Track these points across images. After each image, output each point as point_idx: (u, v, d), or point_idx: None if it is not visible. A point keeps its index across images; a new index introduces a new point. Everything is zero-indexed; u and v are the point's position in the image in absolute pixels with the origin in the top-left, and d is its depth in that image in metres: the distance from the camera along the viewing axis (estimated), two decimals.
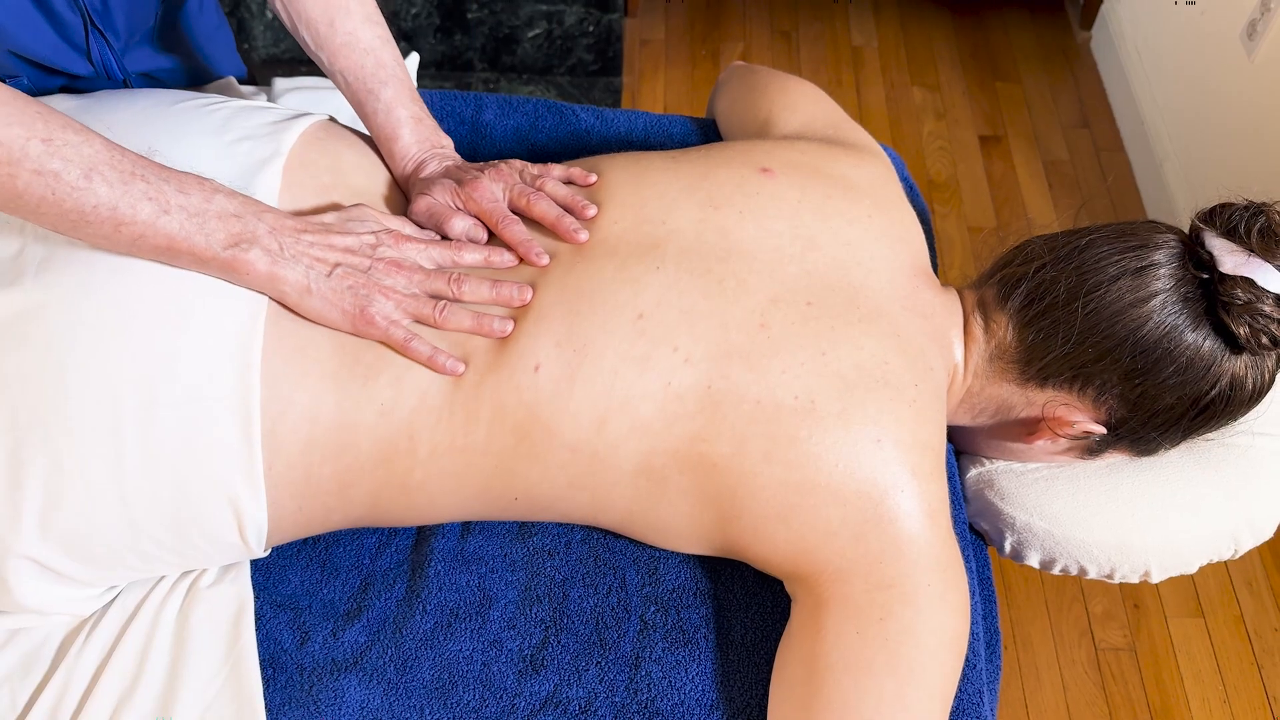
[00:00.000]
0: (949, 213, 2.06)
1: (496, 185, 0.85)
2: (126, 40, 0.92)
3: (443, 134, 0.91)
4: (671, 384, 0.76)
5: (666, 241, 0.81)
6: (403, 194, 0.88)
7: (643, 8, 2.38)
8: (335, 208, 0.81)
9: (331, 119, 0.90)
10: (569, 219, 0.82)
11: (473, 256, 0.80)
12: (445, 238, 0.83)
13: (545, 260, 0.81)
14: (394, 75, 0.89)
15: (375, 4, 0.89)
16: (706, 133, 1.16)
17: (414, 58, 1.20)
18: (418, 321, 0.77)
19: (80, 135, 0.68)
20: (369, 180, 0.86)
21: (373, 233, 0.78)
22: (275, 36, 1.99)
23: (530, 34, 2.01)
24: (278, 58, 2.04)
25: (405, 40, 2.02)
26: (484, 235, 0.83)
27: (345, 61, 0.88)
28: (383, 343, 0.77)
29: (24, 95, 0.68)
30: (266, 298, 0.76)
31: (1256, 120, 1.72)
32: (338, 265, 0.75)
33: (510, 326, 0.78)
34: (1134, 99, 2.13)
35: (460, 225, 0.83)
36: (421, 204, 0.84)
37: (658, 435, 0.76)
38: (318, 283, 0.75)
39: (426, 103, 1.14)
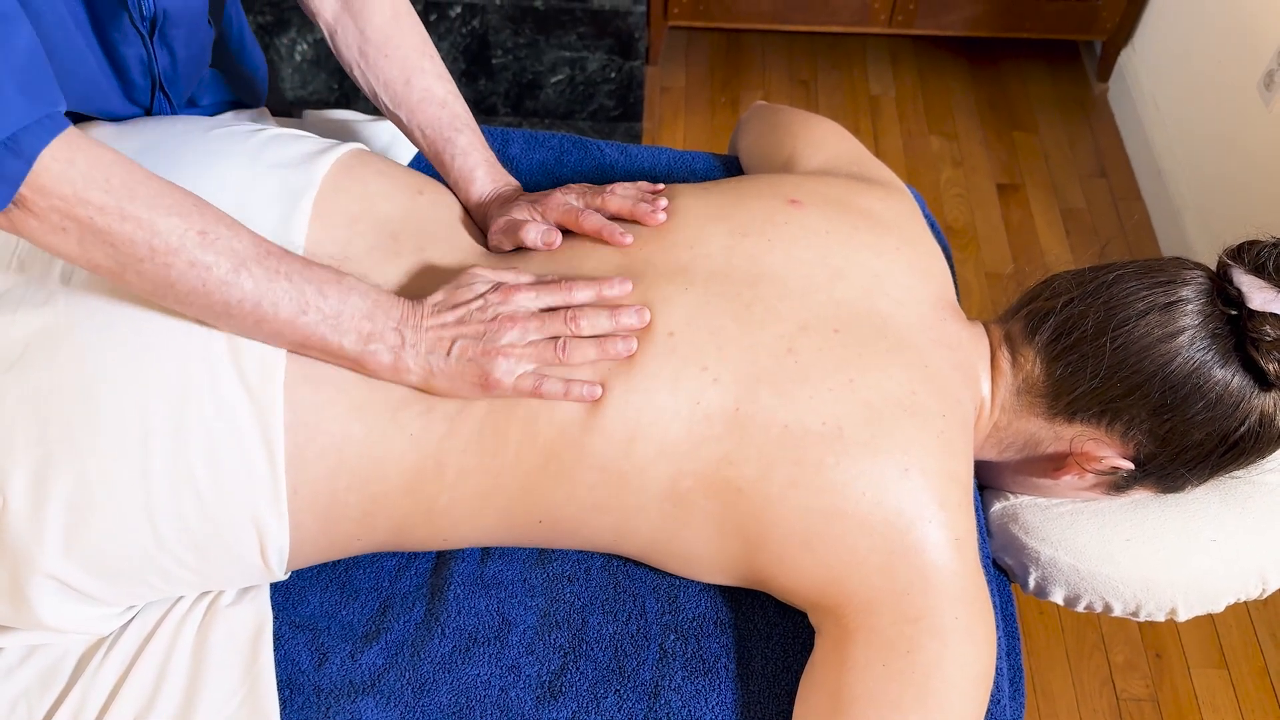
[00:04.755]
0: (966, 259, 2.06)
1: (568, 195, 0.89)
2: (183, 98, 0.97)
3: (510, 175, 0.97)
4: (700, 403, 0.76)
5: (694, 265, 0.82)
6: (432, 222, 0.89)
7: (664, 55, 2.42)
8: (442, 276, 0.81)
9: (363, 148, 0.92)
10: (644, 205, 0.87)
11: (584, 294, 0.79)
12: (522, 248, 0.87)
13: (629, 239, 0.85)
14: (467, 124, 0.95)
15: (442, 62, 0.95)
16: (729, 169, 1.17)
17: None
18: (545, 365, 0.77)
19: (231, 229, 0.71)
20: (395, 208, 0.87)
21: (480, 295, 0.78)
22: (303, 79, 2.03)
23: (553, 80, 2.04)
24: (305, 100, 2.08)
25: None
26: (558, 238, 0.86)
27: (422, 115, 0.94)
28: (520, 396, 0.77)
29: (180, 187, 0.70)
30: None
31: (1275, 169, 1.72)
32: (455, 341, 0.76)
33: (635, 345, 0.77)
34: (1151, 149, 2.15)
35: (534, 233, 0.86)
36: (500, 222, 0.89)
37: (685, 456, 0.76)
38: (439, 364, 0.76)
39: None
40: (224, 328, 0.74)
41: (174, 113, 0.95)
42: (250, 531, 0.75)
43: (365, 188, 0.86)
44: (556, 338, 0.77)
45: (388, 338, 0.75)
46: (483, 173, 0.95)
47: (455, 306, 0.77)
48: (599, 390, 0.76)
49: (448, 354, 0.76)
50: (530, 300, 0.78)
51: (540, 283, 0.80)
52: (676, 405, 0.76)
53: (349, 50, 0.94)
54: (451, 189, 0.95)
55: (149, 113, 0.93)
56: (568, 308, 0.78)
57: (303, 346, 0.74)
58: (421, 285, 0.82)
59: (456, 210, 0.92)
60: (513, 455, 0.77)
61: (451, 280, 0.80)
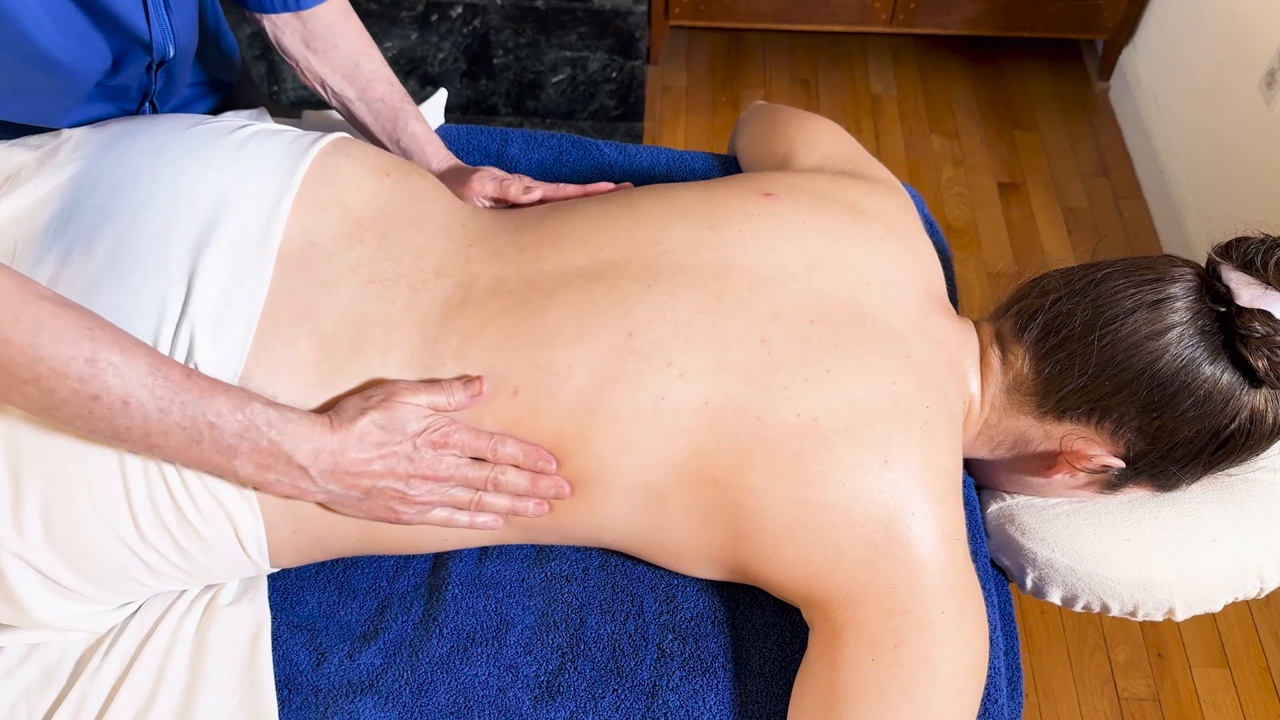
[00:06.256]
0: (967, 258, 2.06)
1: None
2: (167, 101, 0.98)
3: None
4: (666, 399, 0.76)
5: (660, 261, 0.81)
6: (395, 204, 0.87)
7: (665, 55, 2.42)
8: (374, 387, 0.77)
9: (344, 136, 0.91)
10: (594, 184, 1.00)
11: (510, 455, 0.77)
12: (514, 204, 0.97)
13: (573, 190, 0.97)
14: (410, 100, 1.05)
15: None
16: (728, 168, 1.17)
17: (441, 93, 1.23)
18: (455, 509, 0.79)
19: (126, 355, 0.68)
20: (362, 193, 0.85)
21: (411, 438, 0.75)
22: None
23: (554, 79, 2.04)
24: (305, 100, 2.08)
25: (432, 84, 2.06)
26: (539, 192, 0.97)
27: (373, 93, 1.02)
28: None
29: (78, 308, 0.69)
30: (256, 320, 0.76)
31: (1277, 168, 1.72)
32: (372, 488, 0.75)
33: (547, 509, 0.79)
34: (1153, 148, 2.15)
35: (516, 187, 0.97)
36: (478, 176, 0.99)
37: (652, 451, 0.76)
38: (348, 502, 0.76)
39: (453, 136, 1.19)
40: (117, 448, 0.72)
41: (155, 112, 0.96)
42: (224, 521, 0.76)
43: (337, 176, 0.85)
44: (475, 489, 0.78)
45: (291, 473, 0.73)
46: (435, 147, 1.04)
47: (381, 445, 0.74)
48: (500, 523, 0.80)
49: (361, 496, 0.75)
50: (457, 457, 0.77)
51: (472, 431, 0.77)
52: (637, 403, 0.76)
53: (294, 45, 1.00)
54: (399, 153, 1.03)
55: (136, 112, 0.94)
56: (493, 465, 0.78)
57: (199, 470, 0.73)
58: (380, 269, 0.81)
59: (420, 189, 0.90)
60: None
61: (376, 399, 0.75)
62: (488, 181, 0.98)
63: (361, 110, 1.02)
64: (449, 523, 0.79)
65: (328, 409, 0.76)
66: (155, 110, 0.95)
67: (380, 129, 1.02)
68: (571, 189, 0.98)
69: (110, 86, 0.87)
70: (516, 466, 0.78)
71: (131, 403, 0.68)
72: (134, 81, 0.89)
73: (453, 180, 1.00)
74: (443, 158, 1.03)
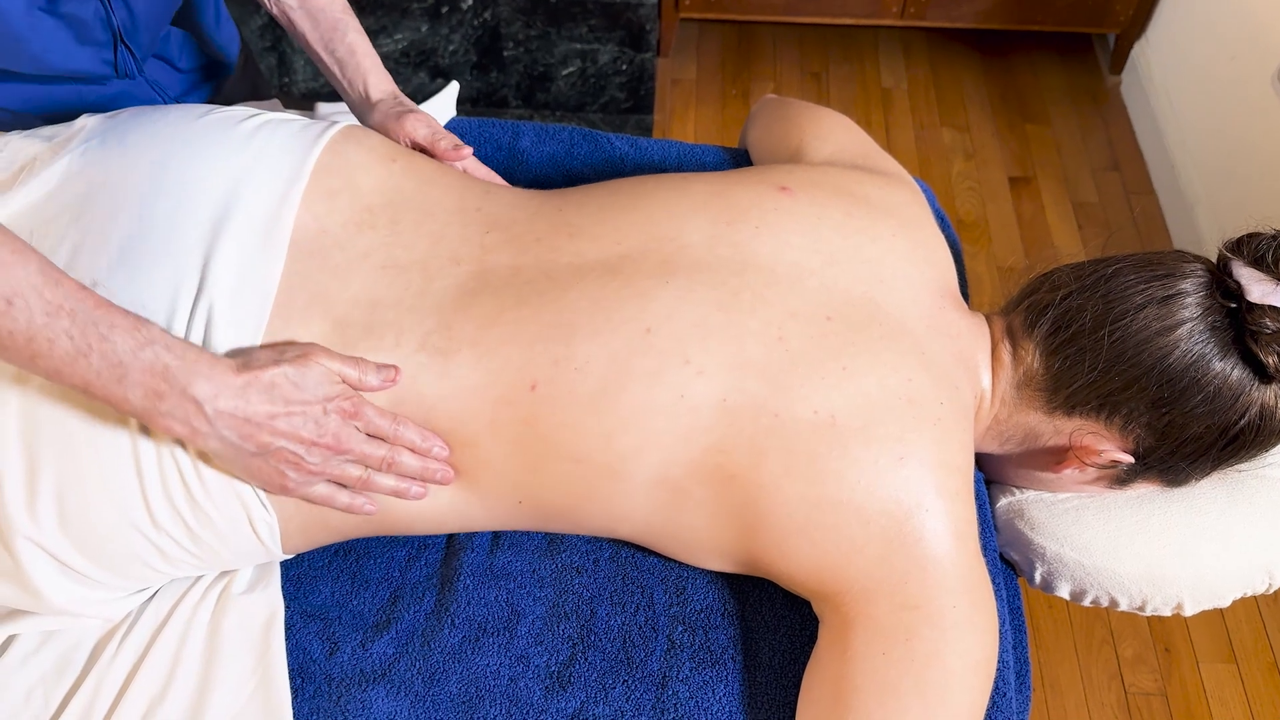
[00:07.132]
0: (978, 252, 2.06)
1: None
2: (147, 50, 0.98)
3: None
4: (685, 397, 0.76)
5: (677, 257, 0.81)
6: (404, 190, 0.88)
7: (675, 48, 2.42)
8: (288, 345, 0.76)
9: (355, 124, 0.91)
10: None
11: (409, 438, 0.77)
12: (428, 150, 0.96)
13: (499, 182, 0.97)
14: (353, 15, 1.02)
15: None
16: (739, 162, 1.17)
17: (453, 86, 1.23)
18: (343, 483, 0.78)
19: (17, 255, 0.65)
20: (372, 180, 0.86)
21: (318, 401, 0.74)
22: (315, 71, 2.03)
23: (564, 72, 2.04)
24: (317, 92, 2.08)
25: (443, 76, 2.06)
26: (469, 149, 0.97)
27: (316, 1, 1.00)
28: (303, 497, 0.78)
29: None
30: (269, 305, 0.77)
31: None
32: (269, 445, 0.72)
33: (426, 491, 0.79)
34: (1164, 143, 2.14)
35: (446, 142, 0.96)
36: (422, 129, 0.96)
37: (671, 448, 0.76)
38: (239, 456, 0.72)
39: (464, 129, 1.18)
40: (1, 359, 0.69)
41: (139, 65, 0.96)
42: (236, 504, 0.76)
43: (347, 163, 0.85)
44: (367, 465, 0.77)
45: (185, 407, 0.69)
46: (373, 62, 1.01)
47: (289, 401, 0.72)
48: (375, 510, 0.79)
49: (255, 453, 0.72)
50: (359, 431, 0.76)
51: (377, 408, 0.77)
52: (656, 400, 0.76)
53: None
54: (335, 67, 1.01)
55: (115, 67, 0.93)
56: (391, 445, 0.77)
57: (86, 392, 0.68)
58: (393, 255, 0.81)
59: (429, 174, 0.90)
60: (476, 444, 0.78)
61: (291, 354, 0.74)
62: (420, 127, 0.95)
63: (300, 18, 1.00)
64: (327, 500, 0.77)
65: None
66: (133, 56, 0.94)
67: (318, 39, 1.00)
68: (498, 180, 0.98)
69: (65, 16, 0.85)
70: (412, 450, 0.78)
71: (16, 303, 0.64)
72: (88, 11, 0.86)
73: (388, 113, 0.97)
74: (381, 78, 1.00)
